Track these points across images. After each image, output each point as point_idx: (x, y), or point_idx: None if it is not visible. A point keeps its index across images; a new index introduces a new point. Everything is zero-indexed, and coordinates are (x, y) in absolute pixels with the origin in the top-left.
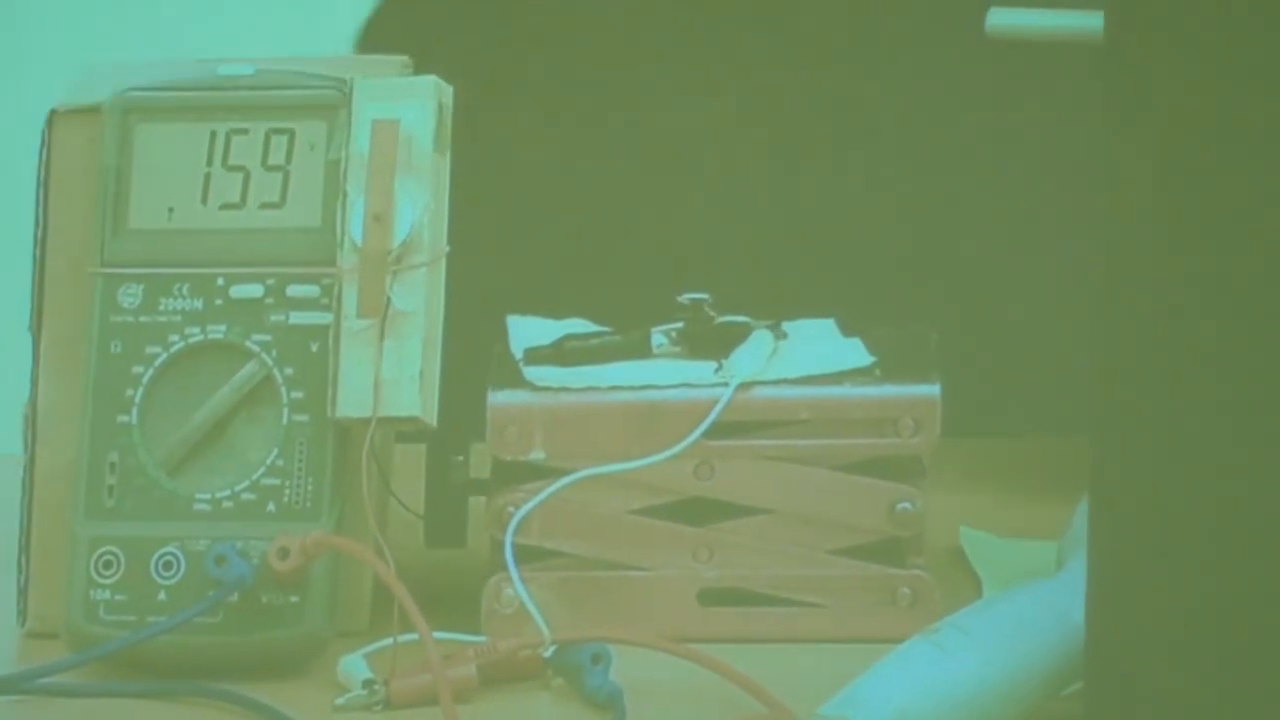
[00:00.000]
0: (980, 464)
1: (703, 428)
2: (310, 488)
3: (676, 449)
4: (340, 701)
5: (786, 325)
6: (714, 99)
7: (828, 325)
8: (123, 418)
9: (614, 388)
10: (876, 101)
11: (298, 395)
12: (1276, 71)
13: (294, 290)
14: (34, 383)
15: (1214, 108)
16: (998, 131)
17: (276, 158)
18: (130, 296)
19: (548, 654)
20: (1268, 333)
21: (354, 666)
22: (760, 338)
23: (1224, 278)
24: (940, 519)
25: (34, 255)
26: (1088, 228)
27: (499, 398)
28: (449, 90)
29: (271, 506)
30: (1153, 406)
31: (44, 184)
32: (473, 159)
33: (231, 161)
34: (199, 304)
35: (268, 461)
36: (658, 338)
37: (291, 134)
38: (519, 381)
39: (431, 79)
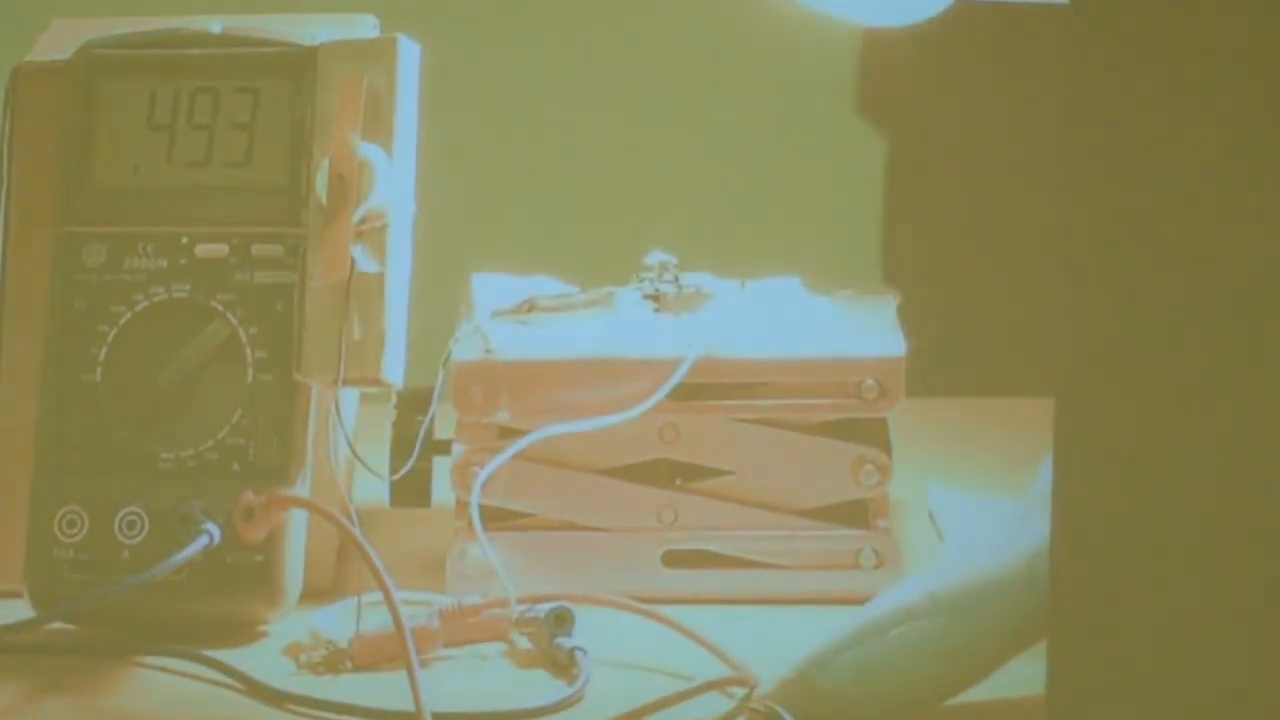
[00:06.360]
0: (944, 424)
1: (666, 388)
2: (275, 447)
3: (640, 409)
4: (304, 661)
5: (751, 285)
6: (685, 61)
7: (793, 284)
8: (86, 376)
9: (579, 348)
10: (840, 66)
11: (262, 355)
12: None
13: (259, 249)
14: None
15: (1177, 64)
16: (964, 96)
17: (241, 116)
18: (94, 255)
19: (512, 614)
20: (1229, 288)
21: (319, 626)
22: (725, 298)
23: (1184, 239)
24: (904, 479)
25: None
26: (1052, 192)
27: (464, 358)
28: (416, 49)
29: (236, 466)
30: (1115, 365)
31: (7, 142)
32: (441, 118)
33: (196, 120)
34: (163, 263)
35: (232, 421)
36: (624, 297)
37: (257, 93)
38: (484, 342)
39: (399, 38)
